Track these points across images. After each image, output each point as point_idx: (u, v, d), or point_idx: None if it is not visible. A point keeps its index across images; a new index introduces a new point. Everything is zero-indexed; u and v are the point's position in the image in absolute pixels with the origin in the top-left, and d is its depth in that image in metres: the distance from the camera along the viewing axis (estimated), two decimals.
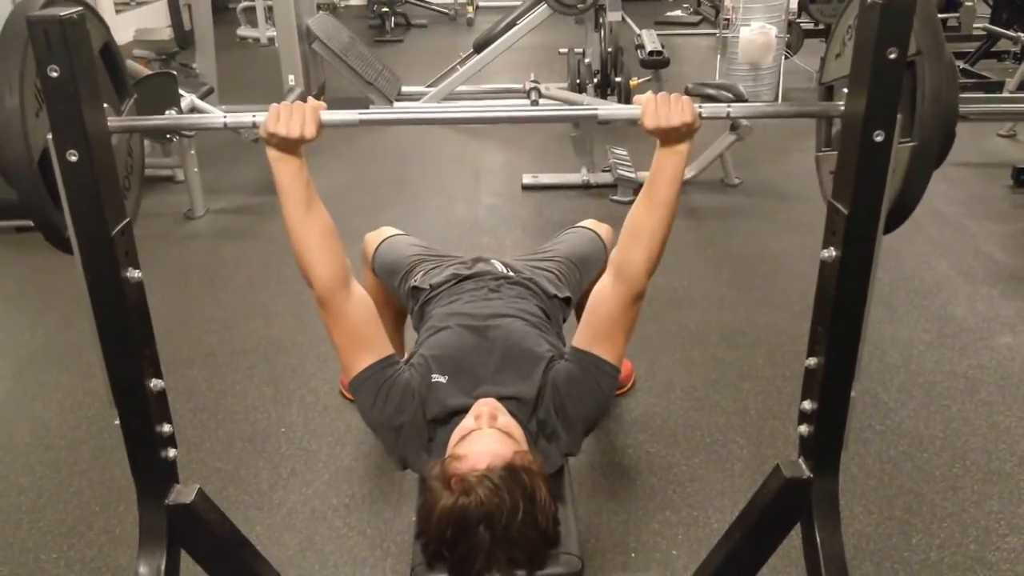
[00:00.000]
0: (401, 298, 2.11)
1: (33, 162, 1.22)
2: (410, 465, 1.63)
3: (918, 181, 1.31)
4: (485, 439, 1.47)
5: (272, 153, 1.43)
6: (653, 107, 1.40)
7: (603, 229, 2.27)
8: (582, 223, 2.30)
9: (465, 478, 1.37)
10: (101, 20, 1.41)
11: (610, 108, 1.49)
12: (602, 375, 1.60)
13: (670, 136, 1.44)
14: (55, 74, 1.14)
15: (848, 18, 1.43)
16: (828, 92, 1.56)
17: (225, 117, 1.40)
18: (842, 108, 1.27)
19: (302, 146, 1.43)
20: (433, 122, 1.53)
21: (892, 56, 1.13)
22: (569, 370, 1.62)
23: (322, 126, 1.39)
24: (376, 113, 1.52)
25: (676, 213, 1.52)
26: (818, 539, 1.42)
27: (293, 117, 1.37)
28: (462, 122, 1.53)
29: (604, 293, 1.58)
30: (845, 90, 1.27)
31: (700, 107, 1.39)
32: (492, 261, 2.06)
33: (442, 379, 1.63)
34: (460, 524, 1.35)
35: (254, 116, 1.38)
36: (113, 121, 1.30)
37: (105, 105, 1.27)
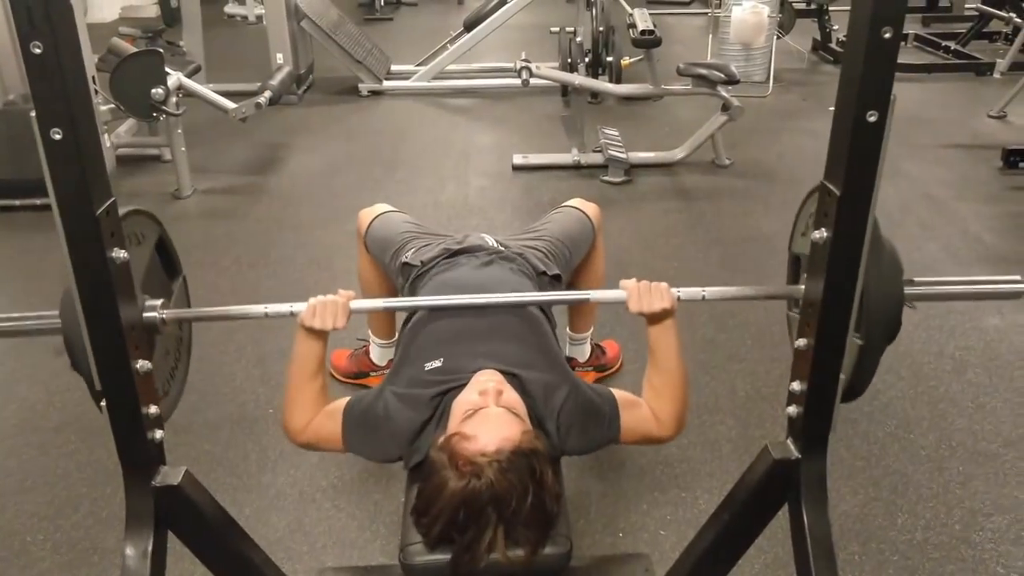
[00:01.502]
0: (392, 275, 2.10)
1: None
2: (417, 459, 1.61)
3: (867, 368, 1.40)
4: (493, 420, 1.45)
5: (301, 333, 1.59)
6: (636, 294, 1.56)
7: (591, 208, 2.26)
8: (570, 202, 2.30)
9: (474, 460, 1.36)
10: (157, 221, 1.51)
11: (599, 294, 1.78)
12: (609, 433, 1.63)
13: (653, 317, 1.59)
14: (38, 51, 1.11)
15: (812, 203, 1.44)
16: (796, 261, 1.61)
17: (266, 309, 1.51)
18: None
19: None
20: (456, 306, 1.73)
21: (886, 36, 1.12)
22: (595, 403, 1.63)
23: (351, 315, 1.57)
24: (399, 301, 1.78)
25: (686, 371, 1.64)
26: (805, 520, 1.42)
27: (327, 312, 1.54)
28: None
29: (648, 411, 1.64)
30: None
31: (677, 291, 1.56)
32: (483, 236, 2.05)
33: (436, 363, 1.62)
34: (470, 507, 1.34)
35: (291, 307, 1.53)
36: (168, 313, 1.41)
37: (160, 301, 1.41)
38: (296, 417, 1.63)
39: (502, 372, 1.58)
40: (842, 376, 1.35)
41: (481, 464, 1.36)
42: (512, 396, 1.52)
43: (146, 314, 1.37)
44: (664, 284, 1.57)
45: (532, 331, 1.71)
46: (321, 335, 1.58)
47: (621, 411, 1.62)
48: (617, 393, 1.66)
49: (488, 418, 1.46)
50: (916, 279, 1.42)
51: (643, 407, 1.64)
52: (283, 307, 1.52)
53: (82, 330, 1.28)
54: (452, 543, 1.39)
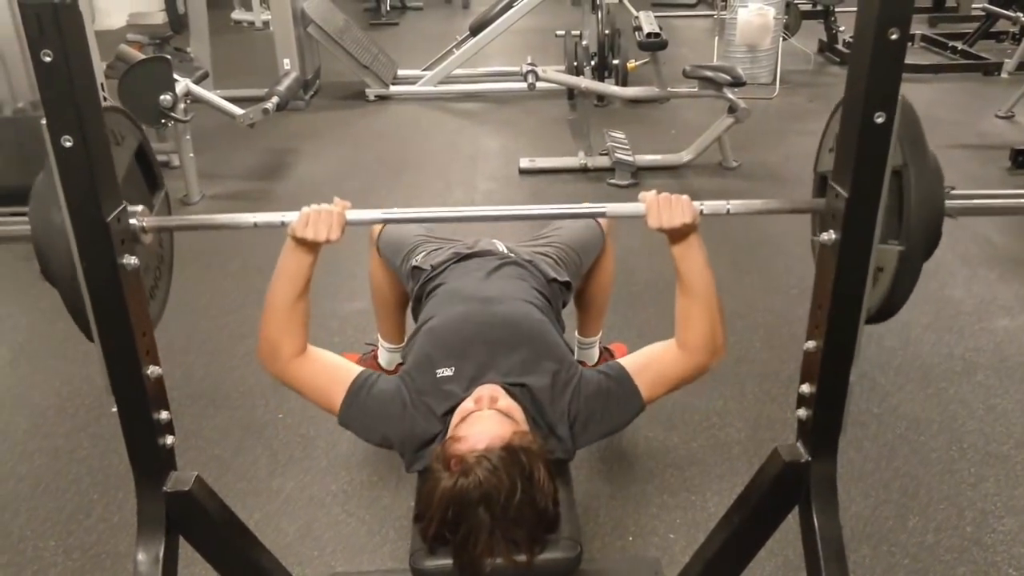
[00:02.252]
0: (402, 278, 2.10)
1: (76, 273, 1.26)
2: (413, 465, 1.61)
3: (905, 282, 1.35)
4: (484, 420, 1.46)
5: (290, 243, 1.48)
6: (656, 208, 1.46)
7: None
8: None
9: (464, 459, 1.37)
10: (136, 124, 1.46)
11: (616, 207, 1.56)
12: (632, 405, 1.60)
13: (674, 234, 1.49)
14: (48, 59, 1.12)
15: (836, 124, 1.45)
16: (822, 181, 1.57)
17: (255, 218, 1.41)
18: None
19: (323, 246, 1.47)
20: (451, 219, 1.59)
21: (894, 37, 1.12)
22: (603, 385, 1.60)
23: (346, 226, 1.45)
24: (398, 212, 1.59)
25: (716, 291, 1.55)
26: (816, 522, 1.42)
27: (320, 223, 1.43)
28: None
29: (671, 351, 1.59)
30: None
31: (701, 204, 1.45)
32: (493, 241, 2.05)
33: (448, 372, 1.61)
34: (460, 505, 1.34)
35: (283, 216, 1.43)
36: (149, 220, 1.33)
37: (140, 207, 1.32)
38: (282, 343, 1.53)
39: (509, 383, 1.58)
40: (870, 290, 1.27)
41: (471, 463, 1.36)
42: (507, 402, 1.53)
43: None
44: (685, 197, 1.45)
45: (540, 338, 1.70)
46: (313, 248, 1.47)
47: (635, 378, 1.58)
48: (627, 362, 1.63)
49: (479, 419, 1.47)
50: (956, 190, 1.40)
51: (658, 356, 1.60)
52: (274, 216, 1.43)
53: (94, 339, 1.29)
54: (447, 543, 1.39)
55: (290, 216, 1.43)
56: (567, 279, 2.00)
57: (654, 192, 1.48)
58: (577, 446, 1.61)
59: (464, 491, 1.33)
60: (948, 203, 1.37)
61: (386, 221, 1.53)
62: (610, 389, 1.60)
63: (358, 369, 1.61)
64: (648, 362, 1.61)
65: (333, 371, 1.59)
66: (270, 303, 1.53)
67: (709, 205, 1.44)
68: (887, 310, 1.38)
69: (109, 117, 1.29)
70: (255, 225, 1.41)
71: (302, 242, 1.46)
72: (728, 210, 1.44)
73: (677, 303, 1.58)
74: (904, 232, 1.31)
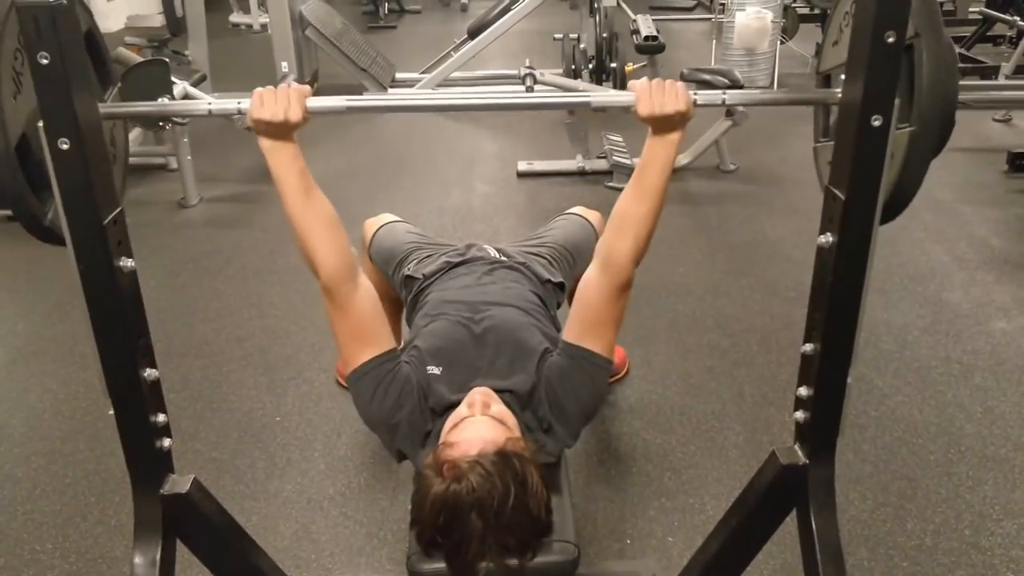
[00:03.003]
0: (395, 286, 2.10)
1: (10, 148, 1.20)
2: (408, 457, 1.62)
3: (916, 168, 1.29)
4: (477, 426, 1.47)
5: (264, 143, 1.41)
6: (647, 94, 1.37)
7: (593, 216, 2.27)
8: (572, 210, 2.30)
9: (456, 464, 1.37)
10: (84, 6, 1.38)
11: (604, 95, 1.45)
12: (594, 368, 1.59)
13: (663, 124, 1.40)
14: (45, 61, 1.12)
15: (845, 4, 1.42)
16: (826, 80, 1.55)
17: (210, 104, 1.38)
18: (840, 96, 1.26)
19: (293, 132, 1.41)
20: (423, 109, 1.48)
21: (890, 40, 1.13)
22: (561, 365, 1.61)
23: (308, 111, 1.37)
24: (363, 100, 1.50)
25: (664, 203, 1.49)
26: (814, 525, 1.42)
27: (277, 101, 1.35)
28: (453, 109, 1.51)
29: (591, 285, 1.56)
30: (843, 77, 1.25)
31: (695, 94, 1.36)
32: (484, 247, 2.06)
33: (436, 371, 1.62)
34: (452, 510, 1.34)
35: (239, 103, 1.36)
36: (103, 107, 1.28)
37: (86, 95, 1.22)
38: (321, 252, 1.48)
39: (498, 389, 1.59)
40: (883, 183, 1.21)
41: (463, 468, 1.36)
42: (500, 409, 1.53)
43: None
44: (680, 83, 1.36)
45: (526, 341, 1.70)
46: (284, 134, 1.40)
47: (582, 343, 1.58)
48: (566, 332, 1.62)
49: (472, 425, 1.48)
50: (968, 82, 1.36)
51: (586, 305, 1.57)
52: (230, 103, 1.37)
53: (91, 339, 1.28)
54: (440, 548, 1.39)
55: (246, 101, 1.36)
56: (560, 280, 2.00)
57: (645, 79, 1.39)
58: (568, 430, 1.61)
59: (457, 496, 1.33)
60: (962, 95, 1.29)
61: (349, 108, 1.47)
62: (566, 364, 1.60)
63: (392, 344, 1.61)
64: (582, 319, 1.59)
65: (376, 328, 1.57)
66: (287, 216, 1.49)
67: (704, 94, 1.35)
68: (897, 201, 1.31)
69: None
70: (210, 112, 1.37)
71: (268, 130, 1.39)
72: (724, 100, 1.35)
73: (621, 205, 1.50)
74: (915, 113, 1.24)
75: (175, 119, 3.71)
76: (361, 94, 5.66)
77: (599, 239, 1.56)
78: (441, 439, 1.49)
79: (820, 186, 1.43)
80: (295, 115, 1.36)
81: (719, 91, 1.33)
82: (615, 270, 1.52)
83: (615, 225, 1.51)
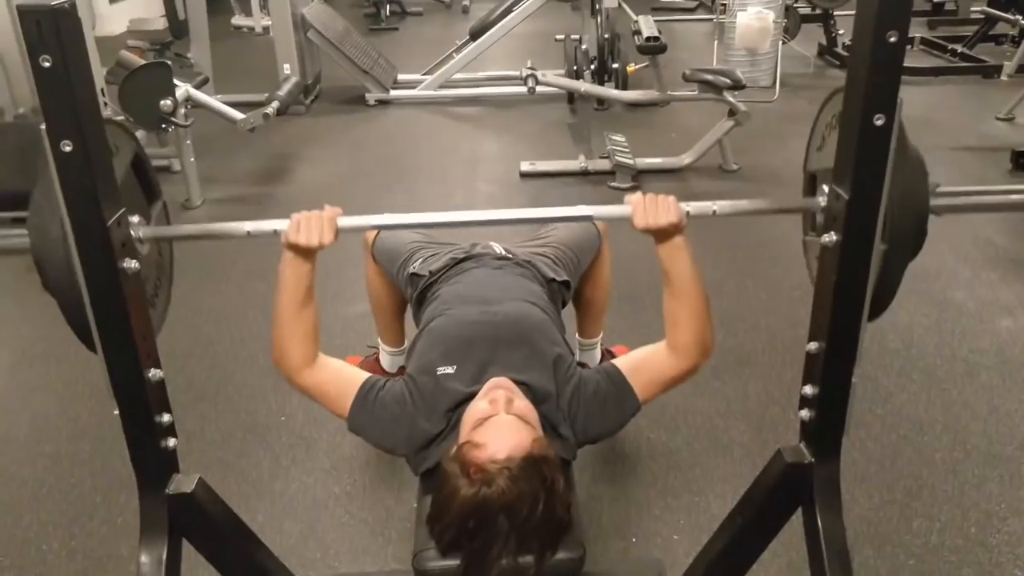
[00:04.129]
0: (400, 285, 2.10)
1: (76, 285, 1.27)
2: (419, 463, 1.61)
3: (892, 280, 1.34)
4: (504, 428, 1.45)
5: (288, 255, 1.50)
6: (642, 208, 1.47)
7: None
8: None
9: (485, 468, 1.36)
10: (132, 134, 1.47)
11: (603, 209, 1.60)
12: (628, 407, 1.61)
13: (661, 234, 1.50)
14: (47, 64, 1.12)
15: (827, 113, 1.45)
16: (812, 180, 1.58)
17: (248, 227, 1.43)
18: (823, 203, 1.32)
19: (318, 252, 1.49)
20: (433, 225, 1.60)
21: (892, 40, 1.12)
22: (601, 385, 1.61)
23: (339, 232, 1.45)
24: (390, 218, 1.65)
25: (705, 292, 1.56)
26: (819, 524, 1.41)
27: (312, 227, 1.44)
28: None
29: (662, 353, 1.60)
30: (825, 186, 1.32)
31: (687, 206, 1.46)
32: (491, 244, 2.06)
33: (450, 370, 1.62)
34: (481, 515, 1.34)
35: (275, 224, 1.44)
36: (145, 231, 1.36)
37: (137, 218, 1.35)
38: (290, 353, 1.56)
39: (513, 381, 1.58)
40: (871, 290, 1.28)
41: (492, 472, 1.35)
42: (522, 404, 1.52)
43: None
44: (672, 197, 1.46)
45: (541, 335, 1.71)
46: (309, 255, 1.49)
47: (630, 379, 1.60)
48: (621, 363, 1.64)
49: (498, 426, 1.45)
50: (941, 188, 1.38)
51: (651, 358, 1.61)
52: (266, 224, 1.44)
53: (96, 343, 1.29)
54: (463, 550, 1.39)
55: (282, 224, 1.44)
56: (566, 278, 2.00)
57: (639, 193, 1.49)
58: (576, 443, 1.62)
59: (487, 501, 1.33)
60: (933, 201, 1.35)
61: (377, 227, 1.52)
62: (608, 391, 1.61)
63: (364, 376, 1.63)
64: (642, 364, 1.62)
65: (341, 379, 1.61)
66: (276, 314, 1.56)
67: (695, 206, 1.45)
68: (875, 308, 1.36)
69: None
70: (248, 234, 1.43)
71: (297, 249, 1.47)
72: (715, 211, 1.43)
73: (665, 304, 1.58)
74: (888, 231, 1.30)
75: (177, 122, 3.72)
76: (363, 97, 5.68)
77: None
78: (464, 436, 1.47)
79: (810, 278, 1.46)
80: (327, 239, 1.45)
81: (711, 203, 1.43)
82: (683, 357, 1.58)
83: (668, 324, 1.59)
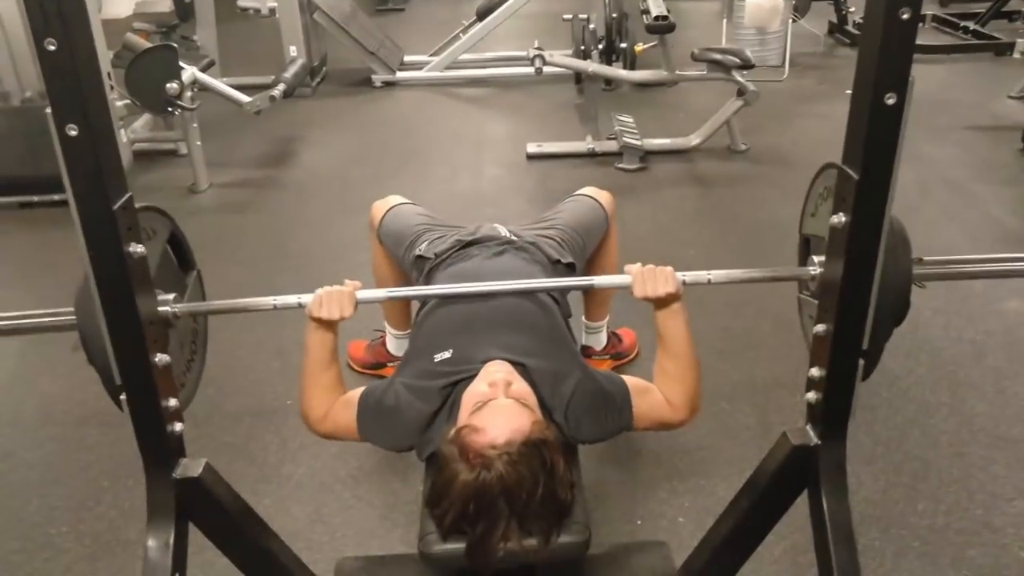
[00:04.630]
0: (406, 267, 2.10)
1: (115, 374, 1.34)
2: (424, 449, 1.62)
3: (876, 347, 1.36)
4: (503, 411, 1.45)
5: (311, 324, 1.61)
6: (641, 279, 1.57)
7: (604, 196, 2.25)
8: (582, 191, 2.29)
9: (484, 453, 1.36)
10: (168, 216, 1.56)
11: (603, 279, 1.78)
12: (622, 421, 1.62)
13: (659, 303, 1.59)
14: (52, 47, 1.12)
15: (821, 183, 1.47)
16: (806, 243, 1.60)
17: (275, 301, 1.56)
18: (815, 273, 1.39)
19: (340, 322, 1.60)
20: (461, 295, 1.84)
21: (905, 16, 1.11)
22: (604, 391, 1.62)
23: (358, 304, 1.60)
24: (404, 291, 1.92)
25: (697, 356, 1.63)
26: (825, 506, 1.41)
27: (333, 302, 1.57)
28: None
29: (661, 398, 1.64)
30: (816, 257, 1.38)
31: (683, 276, 1.55)
32: (496, 226, 2.05)
33: (446, 355, 1.62)
34: (481, 500, 1.35)
35: (299, 298, 1.57)
36: (180, 307, 1.45)
37: (172, 295, 1.45)
38: (315, 407, 1.65)
39: (511, 362, 1.58)
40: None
41: (491, 456, 1.36)
42: (522, 387, 1.52)
43: (159, 308, 1.39)
44: (669, 268, 1.57)
45: (542, 320, 1.70)
46: (331, 325, 1.61)
47: (633, 397, 1.61)
48: (629, 380, 1.65)
49: (498, 410, 1.46)
50: (925, 258, 1.40)
51: (656, 393, 1.64)
52: (291, 299, 1.57)
53: (100, 324, 1.29)
54: (465, 534, 1.39)
55: (306, 298, 1.58)
56: (571, 261, 1.99)
57: (639, 264, 1.60)
58: (575, 436, 1.61)
59: (486, 486, 1.34)
60: (917, 270, 1.37)
61: (391, 298, 1.76)
62: (611, 397, 1.62)
63: (360, 390, 1.67)
64: (647, 392, 1.65)
65: (348, 405, 1.65)
66: (304, 377, 1.66)
67: (690, 276, 1.55)
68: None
69: (141, 216, 1.35)
70: (275, 307, 1.55)
71: (319, 321, 1.59)
72: (709, 280, 1.52)
73: (659, 362, 1.66)
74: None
75: (183, 105, 3.71)
76: (370, 78, 5.65)
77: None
78: (463, 420, 1.47)
79: (804, 338, 1.48)
80: (347, 313, 1.59)
81: (705, 272, 1.52)
82: (675, 409, 1.63)
83: (660, 378, 1.65)
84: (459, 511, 1.36)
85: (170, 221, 1.58)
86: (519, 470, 1.34)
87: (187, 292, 1.63)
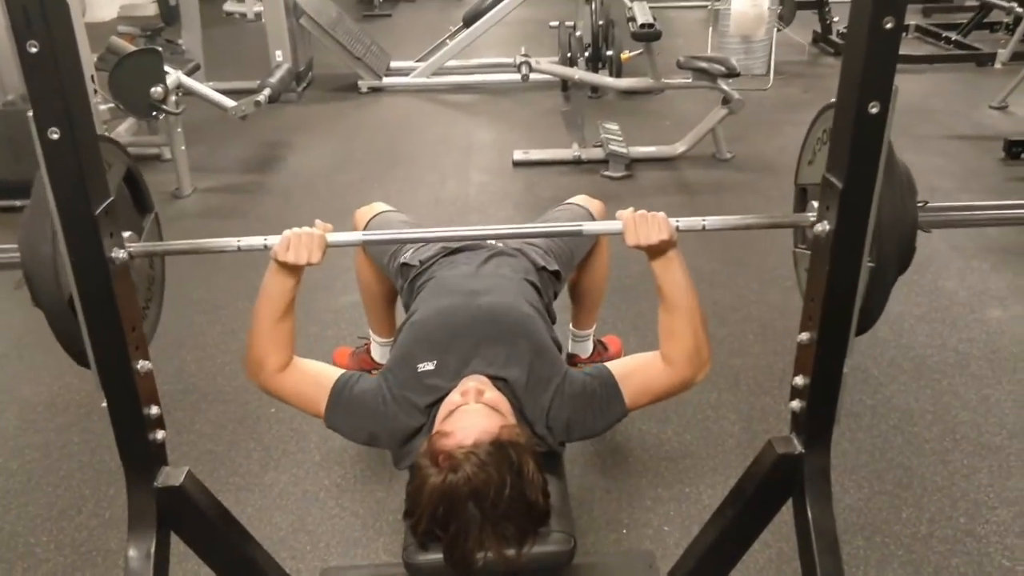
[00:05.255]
0: (391, 275, 2.09)
1: (63, 301, 1.31)
2: (402, 459, 1.61)
3: (878, 298, 1.35)
4: (471, 414, 1.46)
5: (273, 266, 1.50)
6: (633, 225, 1.48)
7: (594, 205, 2.25)
8: (573, 199, 2.28)
9: (452, 454, 1.36)
10: (124, 150, 1.49)
11: (593, 225, 1.68)
12: (614, 411, 1.59)
13: (652, 250, 1.50)
14: (34, 50, 1.11)
15: (819, 128, 1.46)
16: (803, 193, 1.57)
17: (239, 241, 1.43)
18: (813, 219, 1.32)
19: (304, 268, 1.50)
20: (437, 239, 1.70)
21: (888, 26, 1.12)
22: (588, 387, 1.60)
23: (327, 248, 1.48)
24: (378, 234, 1.76)
25: (700, 306, 1.55)
26: (809, 514, 1.42)
27: (301, 246, 1.46)
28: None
29: (657, 363, 1.59)
30: (815, 202, 1.33)
31: (676, 222, 1.46)
32: None
33: (430, 366, 1.61)
34: (449, 501, 1.34)
35: (266, 240, 1.45)
36: (136, 247, 1.34)
37: (128, 233, 1.34)
38: (267, 360, 1.56)
39: (491, 377, 1.58)
40: (856, 307, 1.29)
41: (459, 458, 1.35)
42: (495, 395, 1.52)
43: (114, 251, 1.27)
44: (662, 214, 1.48)
45: (525, 329, 1.69)
46: (295, 271, 1.51)
47: (621, 384, 1.58)
48: (614, 366, 1.62)
49: (467, 414, 1.46)
50: (931, 204, 1.39)
51: (644, 366, 1.60)
52: (257, 240, 1.45)
53: (83, 333, 1.27)
54: (439, 540, 1.38)
55: (272, 239, 1.45)
56: (556, 268, 1.99)
57: (631, 210, 1.50)
58: (556, 441, 1.61)
59: (453, 487, 1.33)
60: (922, 216, 1.36)
61: (366, 242, 1.53)
62: (594, 391, 1.59)
63: (339, 372, 1.63)
64: (634, 370, 1.61)
65: (316, 377, 1.61)
66: (255, 322, 1.55)
67: (684, 222, 1.46)
68: (861, 323, 1.37)
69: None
70: (239, 248, 1.43)
71: (284, 265, 1.48)
72: (704, 226, 1.45)
73: (660, 318, 1.59)
74: (875, 249, 1.31)
75: (168, 109, 3.69)
76: (356, 84, 5.64)
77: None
78: (435, 428, 1.48)
79: (800, 291, 1.46)
80: (315, 259, 1.47)
81: (699, 218, 1.44)
82: (674, 368, 1.57)
83: (663, 337, 1.58)
84: (430, 514, 1.35)
85: (127, 157, 1.49)
86: (487, 471, 1.33)
87: (144, 234, 1.55)
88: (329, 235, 1.49)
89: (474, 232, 1.58)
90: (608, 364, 1.65)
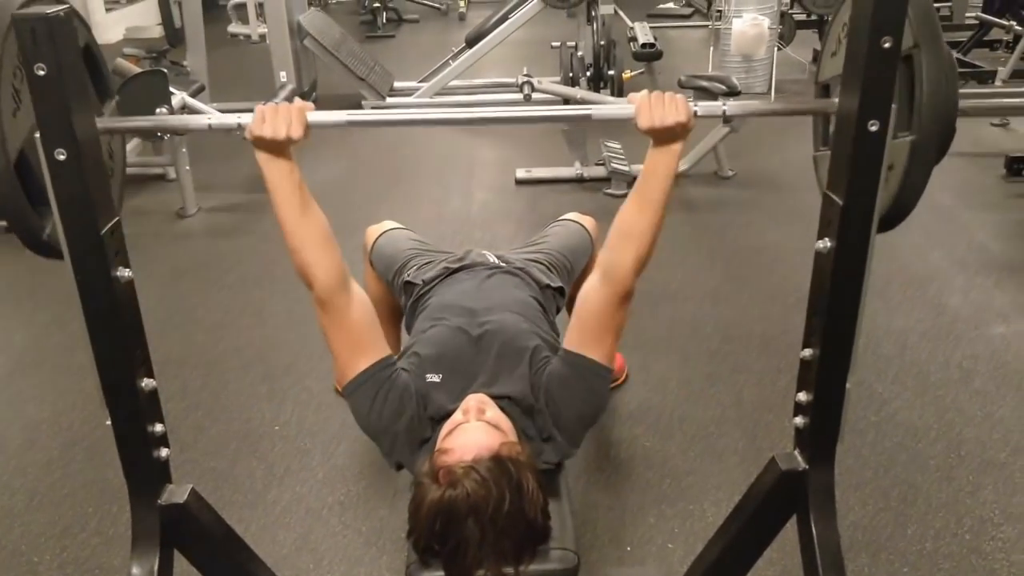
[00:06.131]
0: (395, 292, 2.10)
1: (10, 164, 1.21)
2: (406, 466, 1.62)
3: (917, 176, 1.28)
4: (472, 431, 1.47)
5: (261, 155, 1.40)
6: (647, 106, 1.36)
7: (587, 221, 2.28)
8: (566, 216, 2.31)
9: (452, 470, 1.36)
10: (83, 20, 1.38)
11: (604, 108, 1.48)
12: (595, 377, 1.59)
13: (664, 135, 1.40)
14: (42, 72, 1.12)
15: (843, 15, 1.41)
16: (824, 90, 1.53)
17: (209, 119, 1.37)
18: (835, 107, 1.26)
19: (291, 147, 1.40)
20: (422, 123, 1.49)
21: (886, 46, 1.13)
22: (561, 374, 1.60)
23: (310, 127, 1.37)
24: (364, 114, 1.51)
25: (665, 214, 1.49)
26: (814, 531, 1.41)
27: (279, 118, 1.34)
28: (453, 123, 1.47)
29: (591, 294, 1.55)
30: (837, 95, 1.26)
31: (695, 105, 1.35)
32: (483, 252, 2.06)
33: (436, 378, 1.62)
34: (448, 517, 1.34)
35: (239, 118, 1.35)
36: (102, 122, 1.28)
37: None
38: (312, 262, 1.48)
39: (492, 396, 1.58)
40: (881, 193, 1.21)
41: (458, 474, 1.35)
42: (496, 414, 1.53)
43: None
44: (679, 95, 1.36)
45: (526, 349, 1.69)
46: (281, 151, 1.39)
47: (579, 349, 1.57)
48: (567, 339, 1.61)
49: (468, 431, 1.47)
50: (968, 89, 1.34)
51: (585, 309, 1.56)
52: (230, 118, 1.36)
53: (88, 350, 1.28)
54: (439, 556, 1.38)
55: (246, 117, 1.34)
56: (560, 284, 2.00)
57: (645, 91, 1.39)
58: (568, 438, 1.61)
59: (452, 503, 1.33)
60: (963, 102, 1.30)
61: (350, 123, 1.47)
62: (564, 374, 1.59)
63: (387, 350, 1.60)
64: (581, 323, 1.58)
65: (370, 332, 1.56)
66: (282, 227, 1.47)
67: (704, 106, 1.35)
68: (897, 212, 1.31)
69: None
70: (210, 127, 1.35)
71: (264, 145, 1.37)
72: (724, 111, 1.34)
73: (623, 216, 1.49)
74: (916, 122, 1.23)
75: (168, 132, 3.71)
76: (360, 104, 5.68)
77: (600, 249, 1.55)
78: (437, 445, 1.49)
79: (821, 193, 1.43)
80: (296, 132, 1.35)
81: (719, 101, 1.34)
82: (617, 280, 1.51)
83: (617, 236, 1.51)
84: (428, 529, 1.35)
85: (88, 32, 1.37)
86: (486, 486, 1.33)
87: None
88: (310, 113, 1.37)
89: (475, 116, 1.45)
90: (562, 343, 1.63)
